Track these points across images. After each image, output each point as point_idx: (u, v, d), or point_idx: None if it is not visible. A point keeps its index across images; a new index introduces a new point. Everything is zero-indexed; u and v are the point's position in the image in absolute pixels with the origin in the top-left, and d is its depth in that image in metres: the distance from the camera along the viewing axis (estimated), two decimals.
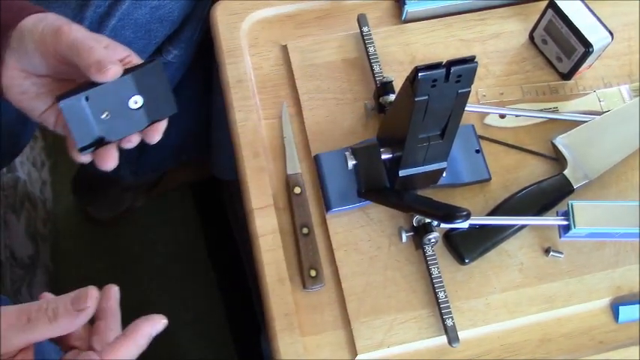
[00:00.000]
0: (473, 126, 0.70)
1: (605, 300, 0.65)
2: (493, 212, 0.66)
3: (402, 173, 0.61)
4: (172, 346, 1.17)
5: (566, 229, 0.64)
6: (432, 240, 0.62)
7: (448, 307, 0.61)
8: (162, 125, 0.56)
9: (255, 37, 0.75)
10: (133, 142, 0.55)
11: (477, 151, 0.68)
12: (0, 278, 0.95)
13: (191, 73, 0.89)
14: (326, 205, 0.66)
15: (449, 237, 0.65)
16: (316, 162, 0.68)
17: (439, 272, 0.63)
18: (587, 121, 0.70)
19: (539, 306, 0.64)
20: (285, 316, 0.62)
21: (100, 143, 0.53)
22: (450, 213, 0.58)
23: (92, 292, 0.45)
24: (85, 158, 0.54)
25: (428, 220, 0.62)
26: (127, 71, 0.52)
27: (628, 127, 0.70)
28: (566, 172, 0.67)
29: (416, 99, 0.52)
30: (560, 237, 0.65)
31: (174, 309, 1.19)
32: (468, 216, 0.57)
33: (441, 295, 0.62)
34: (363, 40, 0.73)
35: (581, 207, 0.63)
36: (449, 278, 0.64)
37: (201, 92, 0.97)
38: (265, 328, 0.63)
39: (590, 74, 0.74)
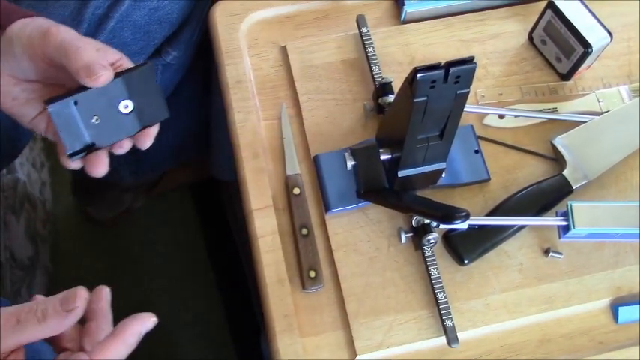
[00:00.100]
0: (472, 126, 0.70)
1: (604, 300, 0.65)
2: (492, 213, 0.66)
3: (401, 174, 0.61)
4: (172, 346, 1.17)
5: (565, 229, 0.64)
6: (432, 241, 0.62)
7: (447, 307, 0.62)
8: (154, 130, 0.55)
9: (254, 38, 0.75)
10: (124, 147, 0.54)
11: (476, 152, 0.68)
12: (0, 279, 0.95)
13: (190, 75, 0.89)
14: (325, 206, 0.66)
15: (448, 238, 0.65)
16: (315, 163, 0.68)
17: (438, 273, 0.63)
18: (586, 122, 0.70)
19: (538, 306, 0.64)
20: (285, 317, 0.62)
21: (90, 149, 0.53)
22: (449, 214, 0.58)
23: (81, 292, 0.45)
24: (74, 164, 0.53)
25: (427, 221, 0.62)
26: (117, 74, 0.51)
27: (627, 128, 0.70)
28: (565, 172, 0.67)
29: (415, 100, 0.52)
30: (559, 237, 0.65)
31: (174, 309, 1.19)
32: (467, 217, 0.57)
33: (440, 295, 0.62)
34: (362, 40, 0.73)
35: (580, 207, 0.63)
36: (448, 279, 0.64)
37: (200, 93, 0.97)
38: (265, 328, 0.63)
39: (589, 75, 0.74)
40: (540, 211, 0.66)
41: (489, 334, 0.63)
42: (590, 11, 0.70)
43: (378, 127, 0.68)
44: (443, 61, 0.50)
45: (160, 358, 1.14)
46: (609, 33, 0.69)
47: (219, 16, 0.74)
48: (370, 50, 0.72)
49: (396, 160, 0.60)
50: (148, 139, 0.55)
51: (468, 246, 0.64)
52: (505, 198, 0.67)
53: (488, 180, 0.68)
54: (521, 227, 0.66)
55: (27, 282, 1.04)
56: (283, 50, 0.74)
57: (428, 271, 0.63)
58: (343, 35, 0.75)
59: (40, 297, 0.47)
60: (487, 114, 0.71)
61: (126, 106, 0.52)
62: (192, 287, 1.22)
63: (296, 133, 0.70)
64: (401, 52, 0.74)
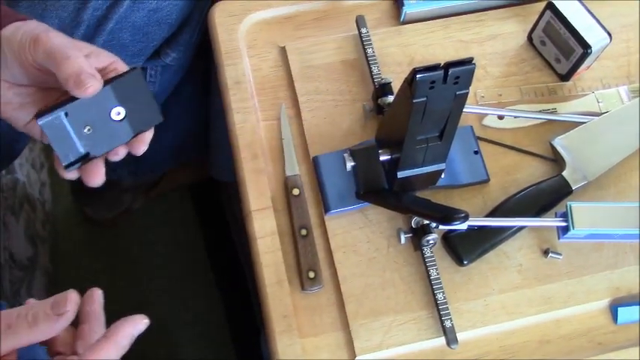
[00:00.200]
0: (471, 127, 0.70)
1: (604, 301, 0.65)
2: (492, 213, 0.66)
3: (400, 175, 0.61)
4: (172, 346, 1.17)
5: (564, 230, 0.64)
6: (431, 241, 0.62)
7: (447, 308, 0.62)
8: (148, 136, 0.55)
9: (253, 39, 0.75)
10: (119, 154, 0.54)
11: (476, 153, 0.68)
12: None
13: (190, 75, 0.89)
14: (325, 207, 0.66)
15: (447, 238, 0.65)
16: (315, 163, 0.68)
17: (438, 274, 0.63)
18: (585, 122, 0.70)
19: (538, 307, 0.64)
20: (284, 318, 0.62)
21: (84, 159, 0.52)
22: (448, 214, 0.58)
23: (71, 295, 0.45)
24: (71, 175, 0.53)
25: (426, 222, 0.62)
26: (106, 82, 0.51)
27: (626, 128, 0.70)
28: (564, 173, 0.67)
29: (414, 100, 0.52)
30: (558, 238, 0.65)
31: (174, 309, 1.19)
32: (466, 217, 0.57)
33: (439, 296, 0.62)
34: (362, 41, 0.73)
35: (579, 208, 0.63)
36: (447, 279, 0.64)
37: (199, 94, 0.97)
38: (264, 329, 0.63)
39: (588, 75, 0.74)
40: (540, 211, 0.66)
41: (488, 334, 0.63)
42: (589, 12, 0.70)
43: (377, 127, 0.68)
44: (442, 62, 0.50)
45: (160, 358, 1.14)
46: (609, 34, 0.69)
47: (219, 16, 0.74)
48: (369, 51, 0.72)
49: (396, 161, 0.60)
50: (142, 144, 0.55)
51: (467, 247, 0.64)
52: (504, 199, 0.67)
53: (487, 181, 0.68)
54: (521, 228, 0.66)
55: (26, 283, 1.04)
56: (283, 51, 0.74)
57: (427, 271, 0.63)
58: (343, 36, 0.75)
59: (32, 301, 0.47)
60: (486, 115, 0.71)
61: (118, 113, 0.52)
62: (192, 287, 1.22)
63: (295, 133, 0.70)
64: (400, 53, 0.74)
